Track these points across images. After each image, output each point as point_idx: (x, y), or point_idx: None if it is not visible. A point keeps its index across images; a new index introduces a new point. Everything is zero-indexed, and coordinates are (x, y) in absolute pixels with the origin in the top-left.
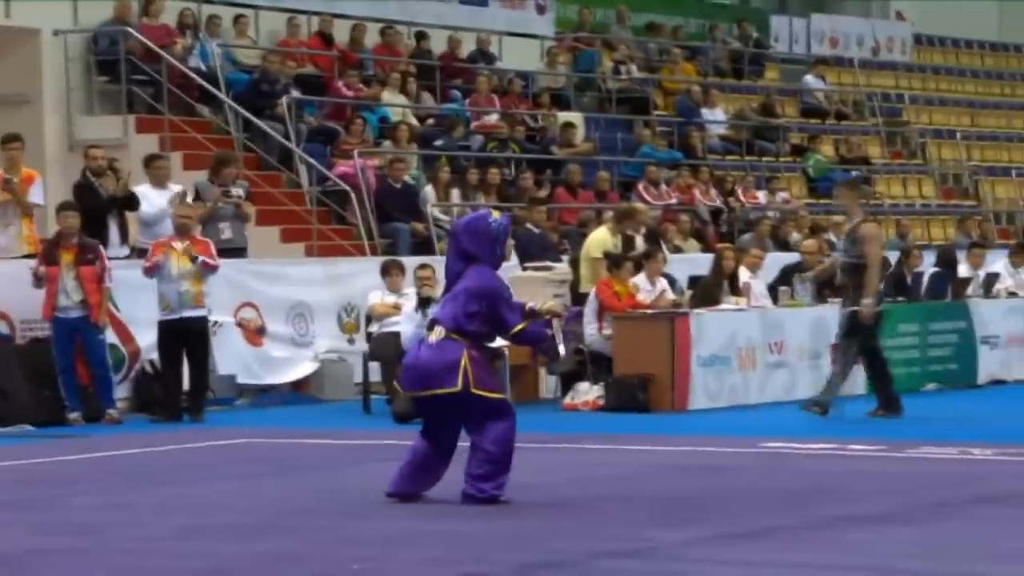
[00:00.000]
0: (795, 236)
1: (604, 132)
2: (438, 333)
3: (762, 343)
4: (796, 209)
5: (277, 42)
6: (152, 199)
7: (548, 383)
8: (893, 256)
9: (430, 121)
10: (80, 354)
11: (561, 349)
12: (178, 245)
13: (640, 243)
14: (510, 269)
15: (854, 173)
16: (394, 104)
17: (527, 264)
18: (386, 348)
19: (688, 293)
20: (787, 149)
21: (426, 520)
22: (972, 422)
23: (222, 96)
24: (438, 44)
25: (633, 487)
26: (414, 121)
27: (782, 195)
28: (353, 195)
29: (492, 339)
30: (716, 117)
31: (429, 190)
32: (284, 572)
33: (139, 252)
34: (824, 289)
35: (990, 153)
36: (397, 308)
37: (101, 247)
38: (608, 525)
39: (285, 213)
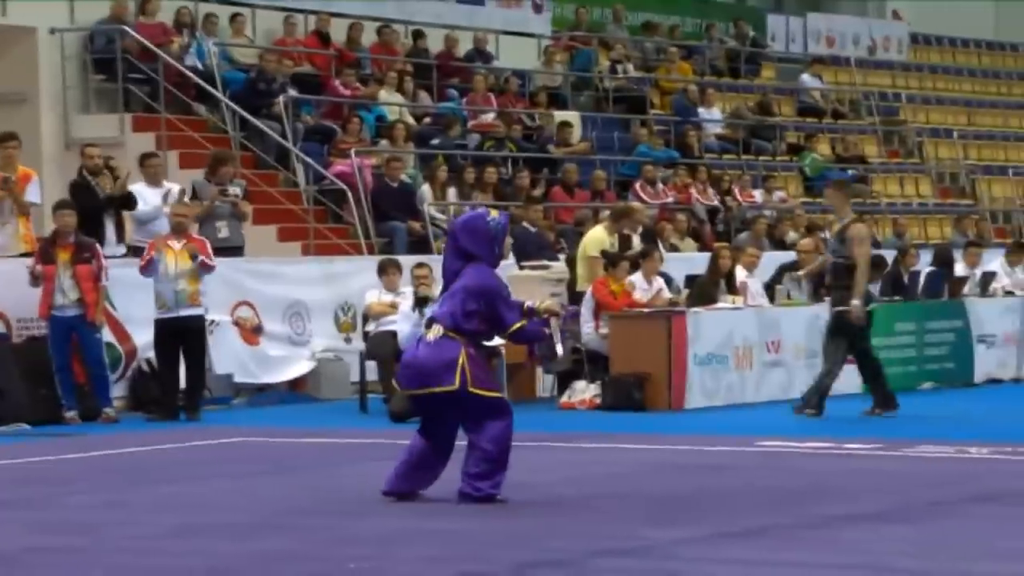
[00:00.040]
0: (792, 235)
1: (601, 131)
2: (436, 331)
3: (759, 342)
4: (793, 208)
5: (274, 41)
6: (146, 197)
7: (545, 382)
8: (890, 255)
9: (427, 120)
10: (77, 353)
11: (559, 348)
12: (175, 244)
13: (637, 242)
14: (507, 268)
15: (851, 172)
16: (391, 103)
17: (524, 263)
18: (383, 347)
19: (685, 292)
20: (784, 148)
21: (423, 519)
22: (968, 421)
23: (219, 95)
24: (435, 43)
25: (630, 486)
26: (411, 120)
27: (779, 194)
28: (350, 194)
29: (490, 337)
30: (713, 116)
31: (426, 189)
32: (281, 571)
33: (135, 251)
34: (821, 288)
35: (987, 152)
36: (394, 307)
37: (98, 246)
38: (605, 524)
39: (282, 212)
